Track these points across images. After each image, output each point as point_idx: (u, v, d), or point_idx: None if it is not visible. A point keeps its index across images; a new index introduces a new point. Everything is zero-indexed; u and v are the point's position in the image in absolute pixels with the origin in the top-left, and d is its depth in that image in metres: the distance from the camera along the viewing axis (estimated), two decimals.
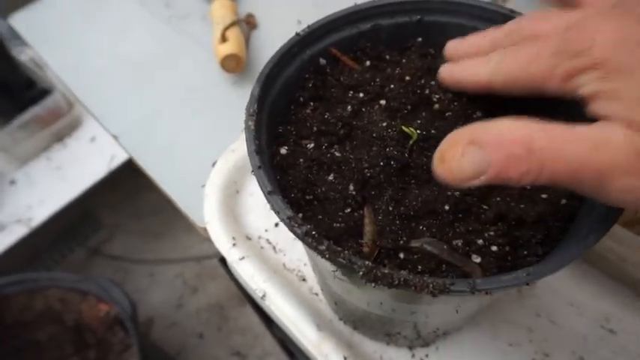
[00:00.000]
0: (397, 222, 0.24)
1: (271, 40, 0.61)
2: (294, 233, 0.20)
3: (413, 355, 0.36)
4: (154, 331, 1.35)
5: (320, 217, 0.24)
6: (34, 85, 1.00)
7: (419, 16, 0.29)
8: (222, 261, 0.46)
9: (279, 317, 0.37)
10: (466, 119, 0.26)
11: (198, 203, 0.45)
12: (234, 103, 0.55)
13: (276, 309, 0.37)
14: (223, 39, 0.54)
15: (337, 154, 0.26)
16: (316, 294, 0.39)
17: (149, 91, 0.57)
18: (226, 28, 0.55)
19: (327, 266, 0.26)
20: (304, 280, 0.40)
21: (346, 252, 0.19)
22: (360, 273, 0.18)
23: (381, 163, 0.25)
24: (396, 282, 0.18)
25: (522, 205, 0.23)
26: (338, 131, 0.27)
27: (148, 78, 0.59)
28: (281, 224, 0.42)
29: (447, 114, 0.27)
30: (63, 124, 1.08)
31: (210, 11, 0.61)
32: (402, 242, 0.23)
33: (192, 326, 1.36)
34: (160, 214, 1.60)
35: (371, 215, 0.24)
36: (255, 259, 0.40)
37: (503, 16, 0.27)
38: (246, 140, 0.23)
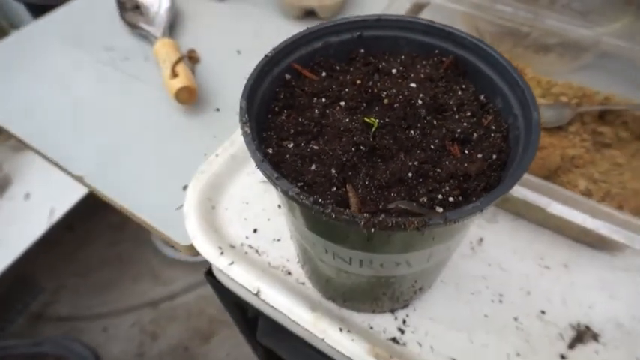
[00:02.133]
0: (374, 192, 0.29)
1: (215, 71, 0.66)
2: (302, 204, 0.25)
3: (396, 318, 0.42)
4: None
5: (313, 198, 0.29)
6: None
7: (359, 33, 0.36)
8: (209, 274, 0.49)
9: (276, 307, 0.41)
10: (410, 109, 0.33)
11: (176, 225, 0.49)
12: (192, 131, 0.59)
13: (272, 300, 0.41)
14: (174, 74, 0.58)
15: (315, 147, 0.31)
16: (302, 283, 0.44)
17: (106, 131, 0.59)
18: (175, 64, 0.59)
19: (321, 245, 0.31)
20: (289, 273, 0.45)
21: (348, 210, 0.24)
22: (362, 223, 0.24)
23: (353, 149, 0.31)
24: (390, 224, 0.23)
25: (466, 164, 0.30)
26: (312, 130, 0.32)
27: (103, 118, 0.61)
28: (259, 229, 0.46)
29: (395, 106, 0.33)
30: None
31: (153, 51, 0.65)
32: (381, 207, 0.29)
33: None
34: (105, 267, 1.55)
35: (353, 190, 0.29)
36: (243, 263, 0.44)
37: (425, 26, 0.35)
38: (246, 144, 0.28)
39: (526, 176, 0.40)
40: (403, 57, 0.36)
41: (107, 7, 0.75)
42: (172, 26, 0.72)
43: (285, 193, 0.26)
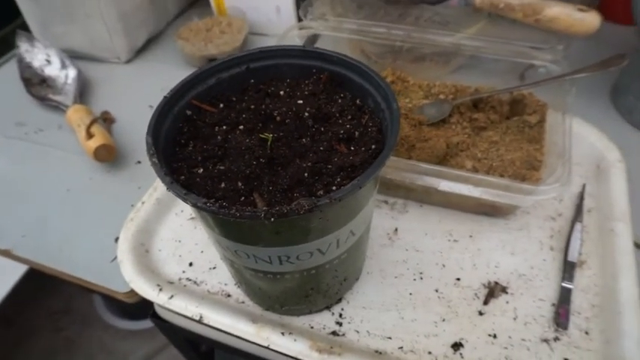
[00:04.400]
0: (278, 195, 0.34)
1: (131, 128, 0.69)
2: (211, 211, 0.29)
3: (332, 314, 0.45)
4: None
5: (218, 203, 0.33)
6: None
7: (247, 65, 0.41)
8: (154, 316, 0.50)
9: (219, 327, 0.43)
10: (299, 121, 0.38)
11: (114, 276, 0.50)
12: (117, 186, 0.61)
13: (215, 322, 0.44)
14: (89, 135, 0.60)
15: (222, 167, 0.35)
16: (242, 302, 0.47)
17: (28, 203, 0.60)
18: (89, 126, 0.61)
19: (242, 252, 0.35)
20: (229, 296, 0.47)
21: (249, 207, 0.28)
22: (262, 215, 0.28)
23: (254, 163, 0.35)
24: (285, 210, 0.28)
25: (351, 157, 0.35)
26: (217, 154, 0.36)
27: (23, 191, 0.61)
28: (195, 262, 0.49)
29: (286, 121, 0.38)
30: None
31: (66, 119, 0.67)
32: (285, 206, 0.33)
33: None
34: (54, 355, 1.46)
35: (259, 196, 0.33)
36: (183, 294, 0.46)
37: (300, 51, 0.41)
38: (156, 172, 0.31)
39: (419, 164, 0.46)
40: (288, 80, 0.42)
41: (12, 84, 0.76)
42: (82, 93, 0.75)
43: (195, 205, 0.29)
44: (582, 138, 0.57)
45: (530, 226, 0.51)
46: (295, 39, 0.65)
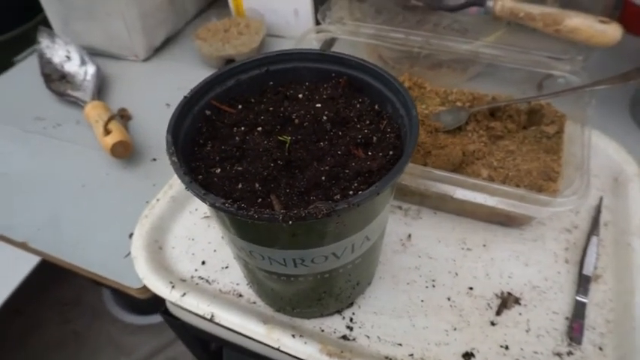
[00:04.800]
0: (295, 198, 0.34)
1: (148, 125, 0.70)
2: (229, 211, 0.29)
3: (343, 318, 0.45)
4: None
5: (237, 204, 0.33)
6: None
7: (266, 68, 0.41)
8: (166, 313, 0.51)
9: (230, 327, 0.44)
10: (318, 125, 0.38)
11: (128, 272, 0.50)
12: (132, 182, 0.62)
13: (226, 321, 0.44)
14: (107, 132, 0.61)
15: (239, 168, 0.36)
16: (254, 302, 0.47)
17: (45, 196, 0.61)
18: (107, 123, 0.62)
19: (257, 253, 0.35)
20: (240, 296, 0.47)
21: (267, 209, 0.28)
22: (280, 217, 0.28)
23: (272, 165, 0.35)
24: (304, 214, 0.28)
25: (369, 163, 0.35)
26: (235, 154, 0.37)
27: (41, 184, 0.62)
28: (207, 261, 0.49)
29: (304, 124, 0.38)
30: None
31: (84, 115, 0.68)
32: (302, 209, 0.33)
33: None
34: (61, 347, 1.48)
35: (276, 198, 0.34)
36: (195, 293, 0.46)
37: (318, 55, 0.41)
38: (175, 171, 0.32)
39: (435, 171, 0.46)
40: (307, 83, 0.42)
41: (32, 79, 0.77)
42: (101, 90, 0.76)
43: (213, 205, 0.29)
44: (600, 150, 0.57)
45: (545, 237, 0.51)
46: (313, 42, 0.65)
